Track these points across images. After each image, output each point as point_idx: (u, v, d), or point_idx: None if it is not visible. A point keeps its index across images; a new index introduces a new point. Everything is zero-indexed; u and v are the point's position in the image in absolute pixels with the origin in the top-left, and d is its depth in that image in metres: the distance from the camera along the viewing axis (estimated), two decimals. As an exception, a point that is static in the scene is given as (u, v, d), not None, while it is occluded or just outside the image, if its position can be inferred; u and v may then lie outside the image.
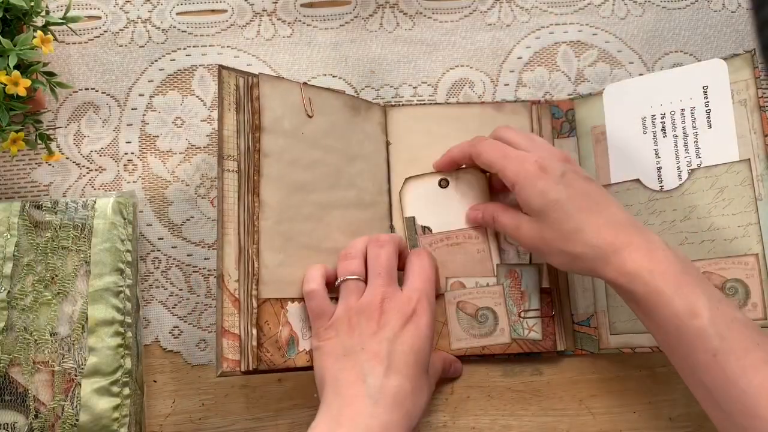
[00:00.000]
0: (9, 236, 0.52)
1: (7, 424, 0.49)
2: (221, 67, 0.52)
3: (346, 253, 0.54)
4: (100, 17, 0.61)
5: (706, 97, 0.56)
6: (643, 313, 0.47)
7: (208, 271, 0.58)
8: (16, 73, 0.49)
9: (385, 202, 0.59)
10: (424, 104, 0.62)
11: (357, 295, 0.52)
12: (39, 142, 0.54)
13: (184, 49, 0.61)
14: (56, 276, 0.52)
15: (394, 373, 0.48)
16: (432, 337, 0.51)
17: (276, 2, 0.63)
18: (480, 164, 0.55)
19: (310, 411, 0.56)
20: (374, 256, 0.53)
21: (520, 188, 0.51)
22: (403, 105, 0.62)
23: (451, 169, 0.59)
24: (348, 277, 0.52)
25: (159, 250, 0.58)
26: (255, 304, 0.51)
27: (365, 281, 0.53)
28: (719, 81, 0.55)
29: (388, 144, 0.60)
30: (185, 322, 0.57)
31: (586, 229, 0.48)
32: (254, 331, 0.51)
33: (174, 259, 0.58)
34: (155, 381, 0.56)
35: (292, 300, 0.53)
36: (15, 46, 0.50)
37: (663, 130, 0.57)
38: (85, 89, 0.60)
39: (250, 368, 0.50)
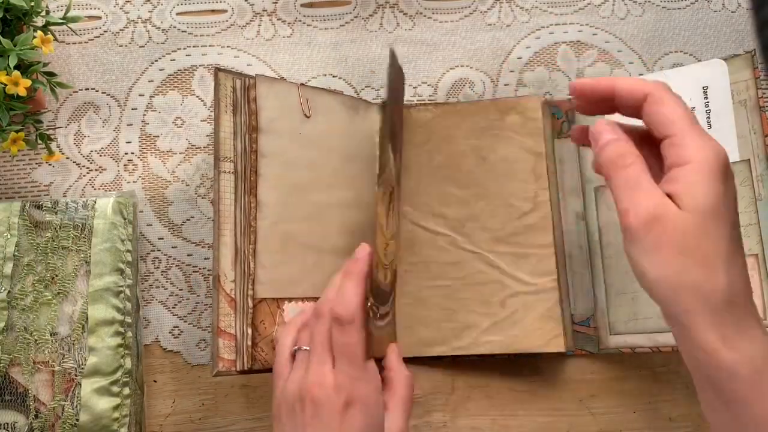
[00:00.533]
0: (9, 236, 0.52)
1: (7, 424, 0.49)
2: (218, 69, 0.52)
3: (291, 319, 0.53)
4: (100, 17, 0.61)
5: (706, 98, 0.56)
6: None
7: (208, 271, 0.58)
8: (16, 73, 0.49)
9: None
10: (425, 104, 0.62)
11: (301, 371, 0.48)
12: (39, 142, 0.54)
13: (184, 49, 0.61)
14: (56, 276, 0.52)
15: None
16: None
17: (276, 2, 0.63)
18: (651, 112, 0.42)
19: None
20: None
21: (698, 172, 0.39)
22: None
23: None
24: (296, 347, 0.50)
25: (159, 250, 0.58)
26: (251, 304, 0.51)
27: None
28: (719, 81, 0.55)
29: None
30: (185, 322, 0.57)
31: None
32: (249, 331, 0.51)
33: (174, 259, 0.58)
34: (155, 381, 0.56)
35: (289, 299, 0.53)
36: (15, 46, 0.50)
37: (663, 130, 0.57)
38: (85, 89, 0.60)
39: (245, 368, 0.50)
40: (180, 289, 0.57)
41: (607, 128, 0.43)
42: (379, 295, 0.51)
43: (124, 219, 0.54)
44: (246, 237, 0.52)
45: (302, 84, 0.57)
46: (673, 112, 0.42)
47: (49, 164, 0.58)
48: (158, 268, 0.58)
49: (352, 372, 0.46)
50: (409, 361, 0.58)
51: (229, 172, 0.52)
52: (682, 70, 0.58)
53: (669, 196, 0.40)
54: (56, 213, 0.53)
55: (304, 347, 0.49)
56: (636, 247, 0.40)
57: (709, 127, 0.55)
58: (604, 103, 0.45)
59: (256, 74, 0.54)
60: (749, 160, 0.53)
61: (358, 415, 0.45)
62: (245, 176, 0.53)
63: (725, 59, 0.55)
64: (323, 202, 0.55)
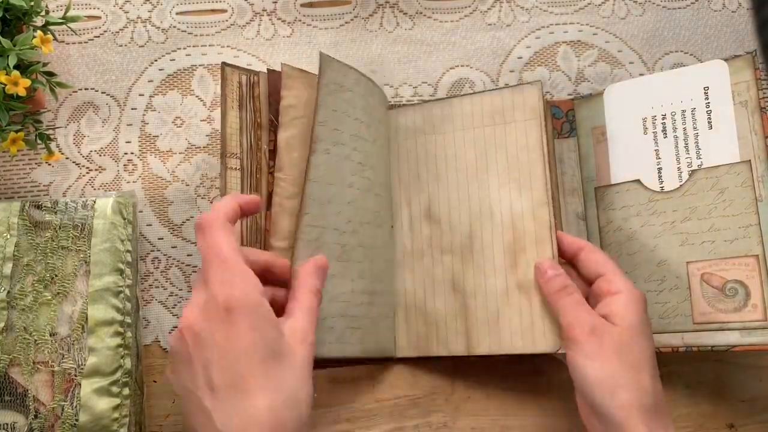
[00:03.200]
0: (9, 236, 0.52)
1: (7, 424, 0.49)
2: (224, 64, 0.52)
3: None
4: (100, 17, 0.61)
5: (707, 98, 0.56)
6: None
7: (208, 271, 0.58)
8: (16, 73, 0.49)
9: (388, 203, 0.59)
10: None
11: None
12: (39, 142, 0.54)
13: (184, 49, 0.61)
14: (56, 276, 0.52)
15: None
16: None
17: (276, 2, 0.63)
18: (588, 260, 0.53)
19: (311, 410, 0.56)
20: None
21: (628, 300, 0.50)
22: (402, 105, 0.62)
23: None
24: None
25: (159, 250, 0.58)
26: None
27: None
28: (720, 82, 0.55)
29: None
30: (185, 322, 0.57)
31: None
32: None
33: (174, 259, 0.58)
34: (155, 381, 0.56)
35: None
36: (15, 46, 0.50)
37: (664, 130, 0.57)
38: (85, 89, 0.60)
39: None
40: (180, 289, 0.57)
41: (550, 265, 0.53)
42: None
43: (124, 219, 0.54)
44: (253, 234, 0.52)
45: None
46: (604, 258, 0.53)
47: (49, 164, 0.58)
48: (158, 268, 0.58)
49: (223, 275, 0.42)
50: (411, 361, 0.58)
51: (236, 168, 0.52)
52: (682, 70, 0.58)
53: (604, 317, 0.49)
54: (56, 213, 0.53)
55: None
56: (579, 354, 0.48)
57: (710, 127, 0.55)
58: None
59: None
60: (750, 161, 0.53)
61: (242, 318, 0.41)
62: (251, 173, 0.53)
63: (726, 60, 0.55)
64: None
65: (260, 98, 0.54)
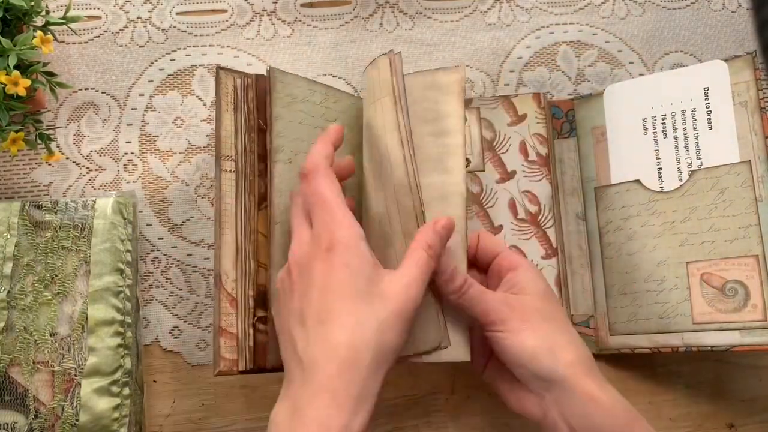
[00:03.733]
0: (9, 236, 0.52)
1: (7, 424, 0.49)
2: (219, 68, 0.52)
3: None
4: (100, 17, 0.61)
5: (707, 99, 0.56)
6: None
7: (208, 271, 0.58)
8: (16, 73, 0.49)
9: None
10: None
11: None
12: (39, 142, 0.54)
13: (184, 49, 0.61)
14: (56, 276, 0.52)
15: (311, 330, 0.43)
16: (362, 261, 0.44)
17: (276, 2, 0.63)
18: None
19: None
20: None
21: (527, 270, 0.51)
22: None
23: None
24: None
25: (159, 250, 0.58)
26: (252, 304, 0.51)
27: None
28: (720, 82, 0.55)
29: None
30: (185, 322, 0.57)
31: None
32: (251, 331, 0.51)
33: (174, 259, 0.58)
34: (155, 381, 0.56)
35: None
36: (15, 46, 0.50)
37: (664, 131, 0.57)
38: (85, 89, 0.60)
39: (247, 368, 0.50)
40: (180, 289, 0.57)
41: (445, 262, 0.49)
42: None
43: (124, 219, 0.54)
44: (247, 237, 0.52)
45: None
46: (497, 239, 0.56)
47: (49, 164, 0.58)
48: (158, 268, 0.58)
49: (326, 217, 0.45)
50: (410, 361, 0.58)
51: (230, 171, 0.52)
52: (682, 71, 0.58)
53: (510, 292, 0.50)
54: (56, 213, 0.53)
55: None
56: (508, 333, 0.47)
57: (710, 128, 0.55)
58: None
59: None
60: (750, 161, 0.53)
61: (339, 257, 0.43)
62: (245, 175, 0.53)
63: (726, 60, 0.55)
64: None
65: (254, 101, 0.54)
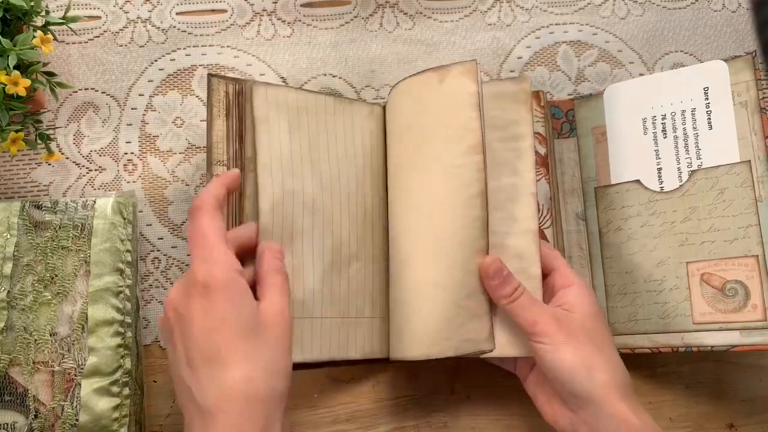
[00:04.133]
0: (9, 236, 0.52)
1: (7, 424, 0.49)
2: (210, 75, 0.52)
3: None
4: (100, 17, 0.61)
5: (707, 99, 0.56)
6: None
7: (208, 271, 0.58)
8: (16, 73, 0.49)
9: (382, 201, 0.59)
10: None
11: None
12: (39, 142, 0.54)
13: (184, 49, 0.61)
14: (56, 276, 0.52)
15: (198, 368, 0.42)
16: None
17: (276, 2, 0.63)
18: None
19: (310, 411, 0.56)
20: None
21: (581, 288, 0.52)
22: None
23: None
24: None
25: (159, 250, 0.58)
26: None
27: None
28: (720, 82, 0.55)
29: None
30: (185, 322, 0.57)
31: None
32: None
33: (174, 259, 0.58)
34: (155, 381, 0.56)
35: None
36: (15, 46, 0.50)
37: (663, 131, 0.57)
38: (85, 89, 0.60)
39: None
40: (180, 289, 0.57)
41: (495, 268, 0.50)
42: None
43: (124, 219, 0.54)
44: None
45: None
46: (555, 253, 0.54)
47: (49, 164, 0.58)
48: (158, 268, 0.58)
49: (203, 254, 0.44)
50: (410, 361, 0.58)
51: None
52: (682, 71, 0.58)
53: (565, 306, 0.51)
54: (56, 213, 0.53)
55: None
56: (550, 346, 0.49)
57: (710, 128, 0.55)
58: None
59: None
60: (749, 161, 0.53)
61: (218, 294, 0.42)
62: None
63: (726, 60, 0.55)
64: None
65: (245, 106, 0.54)
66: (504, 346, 0.52)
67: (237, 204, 0.52)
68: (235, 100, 0.53)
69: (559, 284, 0.52)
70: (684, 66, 0.65)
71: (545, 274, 0.53)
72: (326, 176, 0.55)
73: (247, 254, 0.49)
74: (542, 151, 0.59)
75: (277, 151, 0.53)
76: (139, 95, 0.60)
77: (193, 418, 0.42)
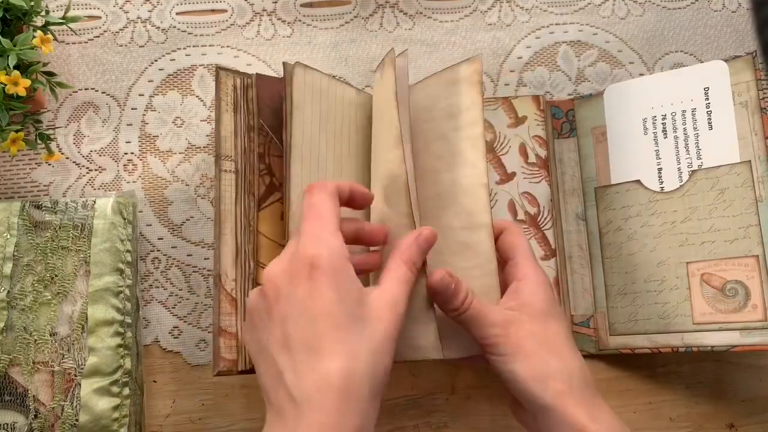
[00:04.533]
0: (9, 236, 0.52)
1: (7, 424, 0.49)
2: (219, 68, 0.52)
3: None
4: (100, 17, 0.61)
5: (707, 99, 0.56)
6: None
7: (208, 271, 0.58)
8: (16, 73, 0.49)
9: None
10: None
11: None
12: (39, 142, 0.54)
13: (184, 49, 0.61)
14: (56, 276, 0.52)
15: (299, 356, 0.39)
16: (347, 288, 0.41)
17: (276, 2, 0.63)
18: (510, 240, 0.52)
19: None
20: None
21: (534, 283, 0.49)
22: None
23: None
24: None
25: (159, 250, 0.58)
26: None
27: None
28: (720, 83, 0.55)
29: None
30: (185, 322, 0.57)
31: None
32: None
33: (174, 259, 0.58)
34: (155, 381, 0.56)
35: None
36: (15, 46, 0.50)
37: (664, 131, 0.57)
38: (85, 89, 0.60)
39: (247, 368, 0.50)
40: (180, 289, 0.57)
41: (439, 282, 0.47)
42: None
43: (124, 219, 0.54)
44: (246, 236, 0.52)
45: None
46: (518, 242, 0.51)
47: (49, 164, 0.58)
48: (158, 268, 0.58)
49: (315, 231, 0.42)
50: (411, 361, 0.58)
51: (230, 171, 0.52)
52: (682, 71, 0.58)
53: (512, 308, 0.48)
54: (56, 213, 0.53)
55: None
56: (501, 357, 0.47)
57: (710, 128, 0.55)
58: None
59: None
60: (750, 161, 0.53)
61: (325, 278, 0.40)
62: (245, 175, 0.53)
63: (726, 61, 0.55)
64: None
65: (253, 101, 0.54)
66: (454, 350, 0.50)
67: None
68: (243, 94, 0.53)
69: (511, 275, 0.50)
70: (684, 66, 0.65)
71: (504, 261, 0.52)
72: (346, 168, 0.54)
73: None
74: (542, 153, 0.60)
75: (308, 139, 0.51)
76: (139, 95, 0.60)
77: (283, 404, 0.39)
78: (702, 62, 0.63)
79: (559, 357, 0.47)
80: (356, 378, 0.39)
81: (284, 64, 0.52)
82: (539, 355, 0.47)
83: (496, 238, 0.52)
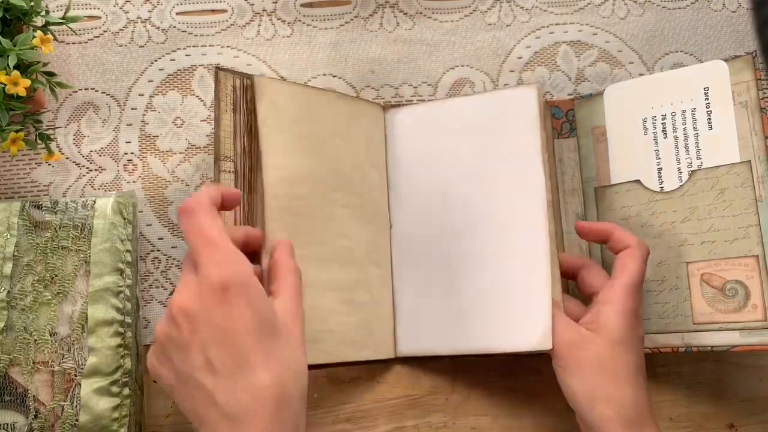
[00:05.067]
0: (9, 236, 0.52)
1: (7, 424, 0.49)
2: (218, 69, 0.52)
3: None
4: (100, 17, 0.61)
5: (707, 99, 0.56)
6: None
7: (208, 271, 0.58)
8: (16, 73, 0.49)
9: (385, 202, 0.59)
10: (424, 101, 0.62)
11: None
12: (39, 142, 0.54)
13: (184, 49, 0.61)
14: (56, 276, 0.52)
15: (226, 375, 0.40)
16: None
17: (276, 2, 0.63)
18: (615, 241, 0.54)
19: (310, 411, 0.56)
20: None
21: (617, 313, 0.50)
22: (403, 105, 0.62)
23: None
24: None
25: (159, 250, 0.58)
26: None
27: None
28: (720, 82, 0.55)
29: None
30: (185, 322, 0.57)
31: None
32: None
33: (174, 259, 0.58)
34: (155, 381, 0.56)
35: None
36: (15, 46, 0.50)
37: (664, 131, 0.57)
38: (85, 89, 0.60)
39: None
40: (180, 290, 0.57)
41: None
42: None
43: (124, 219, 0.54)
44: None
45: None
46: (628, 267, 0.52)
47: (49, 164, 0.58)
48: (158, 268, 0.58)
49: (214, 256, 0.41)
50: (411, 361, 0.58)
51: (229, 171, 0.52)
52: (682, 71, 0.58)
53: (592, 327, 0.51)
54: (56, 213, 0.53)
55: None
56: (562, 369, 0.50)
57: (710, 128, 0.55)
58: (600, 239, 0.56)
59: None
60: (750, 161, 0.53)
61: (238, 297, 0.41)
62: (244, 176, 0.53)
63: (726, 60, 0.55)
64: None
65: (253, 102, 0.54)
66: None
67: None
68: (243, 94, 0.53)
69: (603, 297, 0.52)
70: (684, 66, 0.65)
71: (591, 296, 0.54)
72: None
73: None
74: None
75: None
76: (139, 95, 0.60)
77: (218, 424, 0.40)
78: (702, 62, 0.63)
79: (616, 384, 0.49)
80: (287, 385, 0.41)
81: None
82: (597, 377, 0.49)
83: (574, 275, 0.56)
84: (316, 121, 0.55)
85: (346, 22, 0.64)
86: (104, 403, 0.50)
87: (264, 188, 0.51)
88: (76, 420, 0.49)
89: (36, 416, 0.49)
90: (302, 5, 0.64)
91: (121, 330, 0.51)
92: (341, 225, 0.55)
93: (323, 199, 0.54)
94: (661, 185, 0.57)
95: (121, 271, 0.53)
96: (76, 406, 0.50)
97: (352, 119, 0.58)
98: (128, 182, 0.59)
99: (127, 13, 0.61)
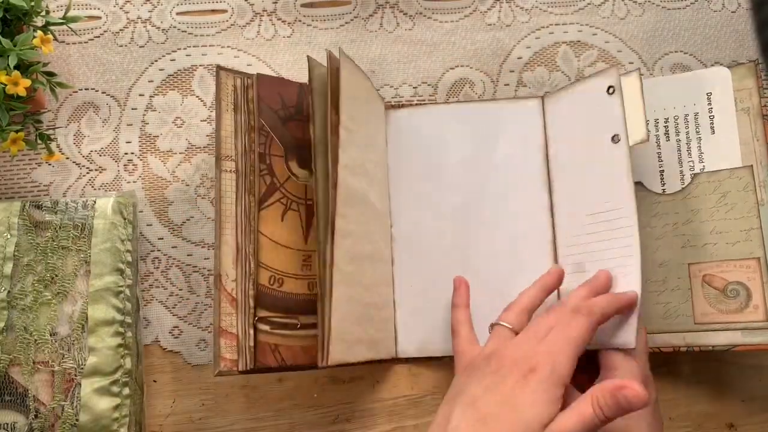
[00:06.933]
0: (9, 236, 0.52)
1: (7, 424, 0.49)
2: (219, 68, 0.52)
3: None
4: (100, 17, 0.61)
5: (710, 104, 0.56)
6: None
7: (208, 271, 0.58)
8: (16, 73, 0.49)
9: (386, 201, 0.59)
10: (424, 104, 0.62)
11: (496, 342, 0.49)
12: (39, 142, 0.54)
13: (184, 49, 0.61)
14: (56, 276, 0.52)
15: (481, 419, 0.43)
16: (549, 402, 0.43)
17: (276, 2, 0.63)
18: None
19: (311, 411, 0.56)
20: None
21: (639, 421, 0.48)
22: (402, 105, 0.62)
23: None
24: (500, 322, 0.50)
25: (159, 250, 0.58)
26: (252, 304, 0.51)
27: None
28: (723, 89, 0.55)
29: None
30: (185, 322, 0.57)
31: None
32: (251, 331, 0.51)
33: (174, 259, 0.58)
34: (155, 381, 0.56)
35: None
36: (15, 46, 0.50)
37: (666, 134, 0.57)
38: (85, 89, 0.60)
39: (247, 368, 0.50)
40: (180, 289, 0.57)
41: None
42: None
43: (124, 219, 0.54)
44: (247, 237, 0.52)
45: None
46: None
47: (49, 164, 0.58)
48: (158, 268, 0.58)
49: (554, 347, 0.45)
50: (411, 361, 0.58)
51: (230, 171, 0.52)
52: (685, 76, 0.58)
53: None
54: (56, 213, 0.53)
55: (504, 323, 0.49)
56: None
57: (713, 132, 0.55)
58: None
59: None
60: (752, 166, 0.54)
61: (534, 382, 0.43)
62: (246, 175, 0.53)
63: (729, 67, 0.56)
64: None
65: (254, 101, 0.54)
66: None
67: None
68: (243, 94, 0.53)
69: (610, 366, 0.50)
70: (684, 66, 0.65)
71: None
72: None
73: None
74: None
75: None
76: (140, 95, 0.60)
77: None
78: (701, 62, 0.63)
79: None
80: None
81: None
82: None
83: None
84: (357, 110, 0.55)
85: (346, 23, 0.64)
86: (104, 403, 0.50)
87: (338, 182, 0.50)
88: (76, 420, 0.49)
89: (36, 416, 0.49)
90: (302, 5, 0.64)
91: (121, 330, 0.51)
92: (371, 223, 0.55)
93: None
94: (663, 187, 0.57)
95: (121, 271, 0.53)
96: (76, 406, 0.50)
97: (371, 114, 0.58)
98: (128, 182, 0.58)
99: (128, 13, 0.61)
